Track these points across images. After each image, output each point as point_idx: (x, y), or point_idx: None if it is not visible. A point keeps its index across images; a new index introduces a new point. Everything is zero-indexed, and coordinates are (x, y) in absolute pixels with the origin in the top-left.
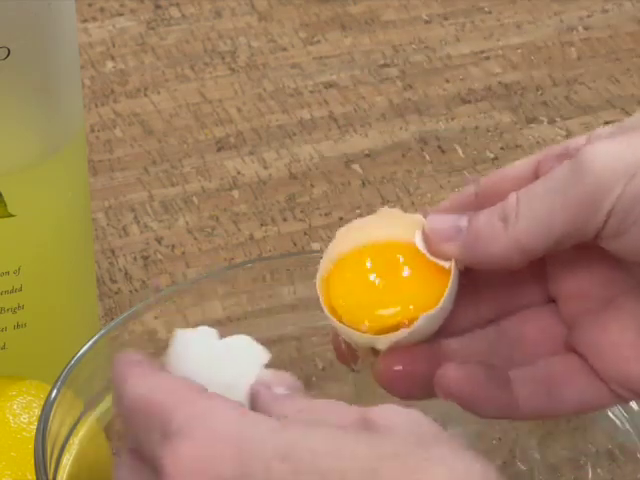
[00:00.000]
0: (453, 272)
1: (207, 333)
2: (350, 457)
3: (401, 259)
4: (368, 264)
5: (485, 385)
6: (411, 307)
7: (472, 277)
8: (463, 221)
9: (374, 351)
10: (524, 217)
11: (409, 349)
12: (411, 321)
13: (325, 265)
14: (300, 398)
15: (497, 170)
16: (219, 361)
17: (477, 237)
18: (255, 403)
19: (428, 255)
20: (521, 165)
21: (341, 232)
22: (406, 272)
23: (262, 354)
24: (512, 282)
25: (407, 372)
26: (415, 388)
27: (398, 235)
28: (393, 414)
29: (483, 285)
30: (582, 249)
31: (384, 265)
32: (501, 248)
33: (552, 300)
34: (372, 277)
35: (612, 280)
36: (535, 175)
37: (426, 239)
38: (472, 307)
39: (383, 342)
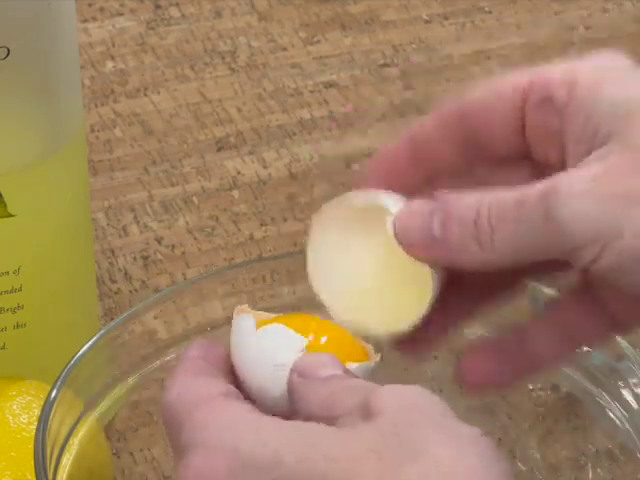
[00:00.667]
0: (433, 278)
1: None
2: (325, 460)
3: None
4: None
5: (506, 362)
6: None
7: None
8: (433, 222)
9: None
10: (498, 245)
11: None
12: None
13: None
14: (326, 384)
15: (476, 93)
16: (266, 346)
17: (451, 250)
18: (290, 390)
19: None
20: (506, 95)
21: (316, 216)
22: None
23: (300, 340)
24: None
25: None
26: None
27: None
28: (390, 397)
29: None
30: None
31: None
32: (477, 263)
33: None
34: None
35: None
36: (521, 112)
37: (398, 239)
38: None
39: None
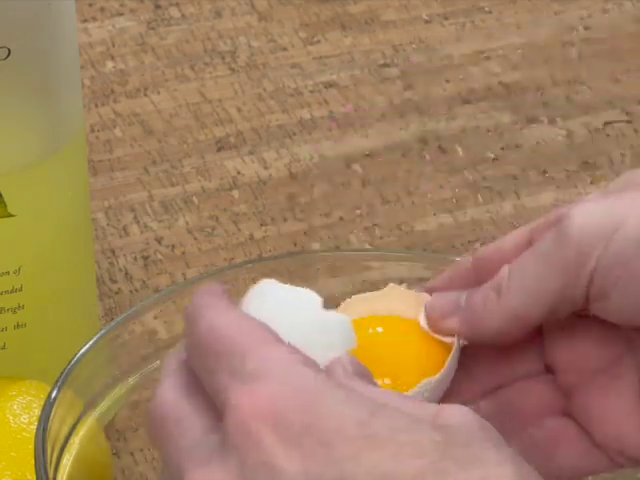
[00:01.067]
0: (455, 346)
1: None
2: (429, 441)
3: (403, 333)
4: (369, 333)
5: None
6: (411, 376)
7: (471, 351)
8: (462, 297)
9: None
10: (515, 288)
11: None
12: (409, 387)
13: None
14: (375, 387)
15: (493, 243)
16: (310, 326)
17: (474, 311)
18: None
19: (431, 333)
20: (516, 235)
21: (346, 302)
22: (408, 345)
23: (352, 341)
24: (509, 354)
25: None
26: None
27: (402, 311)
28: (460, 414)
29: (481, 357)
30: (578, 318)
31: (385, 337)
32: (497, 320)
33: (549, 370)
34: (373, 347)
35: (609, 349)
36: (530, 244)
37: (428, 316)
38: (469, 380)
39: None
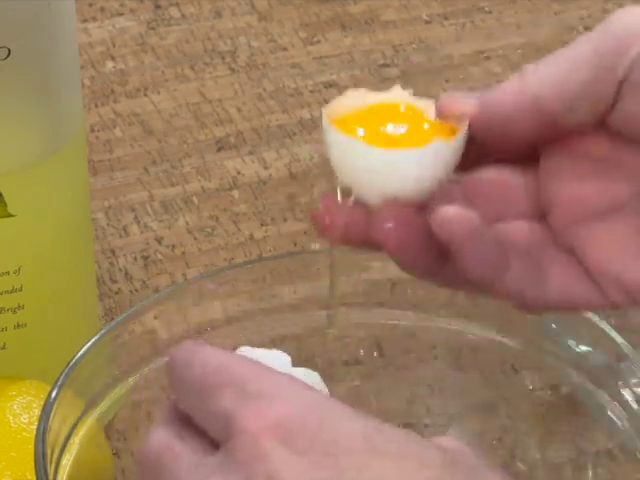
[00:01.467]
0: (464, 128)
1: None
2: (436, 456)
3: (414, 111)
4: (375, 118)
5: (480, 234)
6: (423, 138)
7: (466, 187)
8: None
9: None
10: (541, 74)
11: (404, 207)
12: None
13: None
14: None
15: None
16: None
17: (490, 93)
18: None
19: (441, 120)
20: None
21: (339, 98)
22: (418, 117)
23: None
24: (504, 194)
25: (402, 228)
26: (409, 246)
27: (407, 100)
28: (454, 442)
29: (476, 194)
30: (581, 158)
31: (393, 118)
32: (512, 104)
33: (543, 217)
34: (382, 127)
35: (612, 191)
36: None
37: (439, 103)
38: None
39: (402, 158)
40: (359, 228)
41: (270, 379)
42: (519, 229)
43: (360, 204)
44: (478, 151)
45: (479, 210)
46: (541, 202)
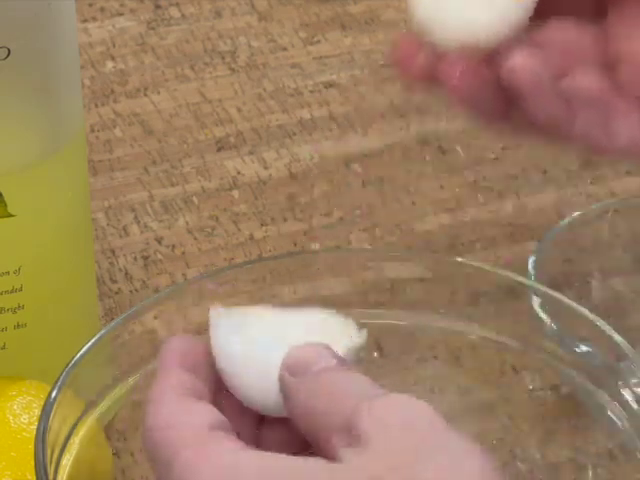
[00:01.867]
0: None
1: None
2: None
3: None
4: None
5: (546, 83)
6: None
7: (536, 39)
8: None
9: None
10: None
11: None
12: None
13: None
14: (310, 383)
15: None
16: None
17: None
18: (282, 390)
19: None
20: None
21: None
22: None
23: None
24: (573, 46)
25: (472, 72)
26: (478, 92)
27: None
28: (375, 421)
29: (545, 46)
30: None
31: None
32: None
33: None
34: None
35: None
36: None
37: None
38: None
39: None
40: (431, 70)
41: (180, 461)
42: (587, 79)
43: (433, 48)
44: (549, 4)
45: (548, 61)
46: (610, 54)
